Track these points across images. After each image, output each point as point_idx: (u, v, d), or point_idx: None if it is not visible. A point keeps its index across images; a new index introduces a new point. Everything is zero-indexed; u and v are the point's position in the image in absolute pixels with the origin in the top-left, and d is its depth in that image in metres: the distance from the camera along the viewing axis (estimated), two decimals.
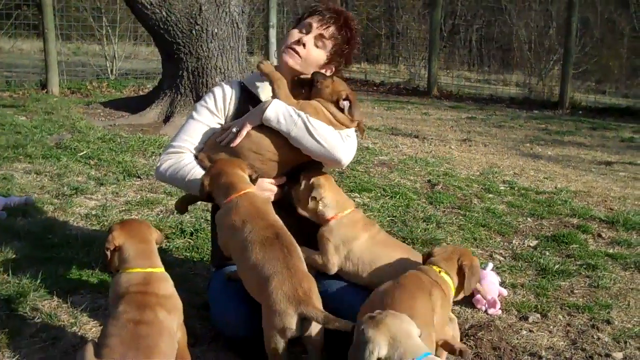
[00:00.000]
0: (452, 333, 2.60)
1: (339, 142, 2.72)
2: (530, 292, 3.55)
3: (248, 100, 2.94)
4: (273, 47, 11.89)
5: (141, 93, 9.58)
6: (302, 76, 2.90)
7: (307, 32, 2.88)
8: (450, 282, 2.55)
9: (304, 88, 2.88)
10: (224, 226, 2.60)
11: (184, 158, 2.86)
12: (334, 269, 2.77)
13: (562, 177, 6.32)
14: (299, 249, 2.52)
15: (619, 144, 8.48)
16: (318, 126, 2.70)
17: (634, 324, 3.23)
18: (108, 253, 2.45)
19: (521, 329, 3.12)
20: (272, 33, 11.99)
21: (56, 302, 3.04)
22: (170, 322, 2.32)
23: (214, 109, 2.93)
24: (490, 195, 5.37)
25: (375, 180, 5.54)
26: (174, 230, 4.07)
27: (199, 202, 3.78)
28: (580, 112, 11.13)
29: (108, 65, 11.52)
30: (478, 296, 3.25)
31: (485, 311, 3.28)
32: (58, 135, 6.37)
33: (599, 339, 3.06)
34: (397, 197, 5.07)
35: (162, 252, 3.41)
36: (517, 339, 3.02)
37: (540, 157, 7.27)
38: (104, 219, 4.21)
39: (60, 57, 10.28)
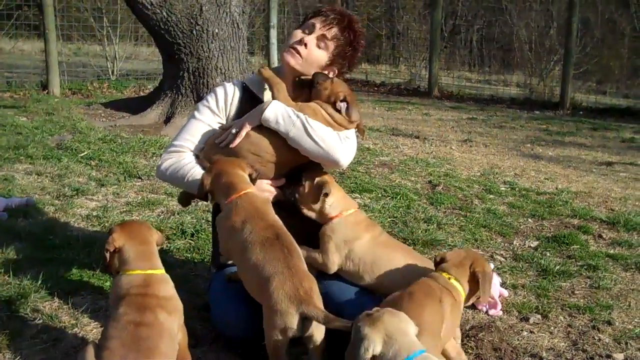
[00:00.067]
0: (458, 349, 2.61)
1: (338, 144, 2.72)
2: (531, 293, 3.55)
3: (249, 100, 2.94)
4: (274, 48, 11.91)
5: (142, 94, 9.59)
6: (303, 77, 2.90)
7: (310, 33, 2.88)
8: (461, 289, 2.54)
9: (304, 89, 2.88)
10: (224, 228, 2.60)
11: (185, 157, 2.86)
12: (333, 268, 2.77)
13: (562, 177, 6.32)
14: (299, 249, 2.53)
15: (619, 145, 8.47)
16: (316, 127, 2.70)
17: (634, 325, 3.22)
18: (108, 255, 2.45)
19: (522, 330, 3.12)
20: (273, 33, 12.00)
21: (57, 303, 3.05)
22: (171, 324, 2.32)
23: (216, 109, 2.93)
24: (491, 196, 5.37)
25: (376, 181, 5.54)
26: (174, 231, 4.07)
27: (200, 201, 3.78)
28: (581, 112, 11.12)
29: (109, 65, 11.53)
30: None
31: (486, 312, 3.28)
32: (59, 136, 6.38)
33: (599, 339, 3.06)
34: (398, 197, 5.07)
35: (163, 253, 3.42)
36: (518, 339, 3.02)
37: (541, 158, 7.27)
38: (105, 219, 4.21)
39: (61, 58, 10.30)
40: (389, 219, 4.60)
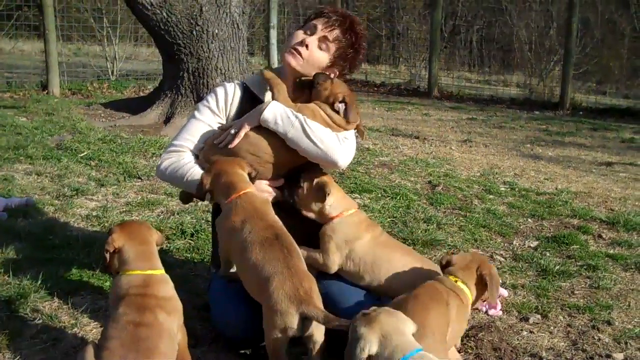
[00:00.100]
0: (457, 357, 2.61)
1: (336, 144, 2.72)
2: (531, 292, 3.55)
3: (250, 101, 2.94)
4: (274, 48, 11.92)
5: (142, 94, 9.59)
6: (303, 78, 2.90)
7: (312, 34, 2.87)
8: (468, 291, 2.55)
9: (305, 90, 2.89)
10: (223, 229, 2.60)
11: (184, 157, 2.86)
12: (334, 267, 2.77)
13: (562, 177, 6.32)
14: (298, 249, 2.53)
15: (619, 145, 8.48)
16: (315, 128, 2.70)
17: (634, 325, 3.22)
18: (107, 255, 2.45)
19: (522, 330, 3.12)
20: (273, 34, 12.02)
21: (57, 303, 3.05)
22: (170, 324, 2.32)
23: (216, 109, 2.93)
24: (491, 196, 5.37)
25: (376, 181, 5.54)
26: (174, 232, 4.07)
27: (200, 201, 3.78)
28: (581, 112, 11.12)
29: (109, 66, 11.53)
30: None
31: (486, 312, 3.28)
32: (59, 136, 6.38)
33: (599, 339, 3.06)
34: (398, 198, 5.07)
35: (163, 253, 3.42)
36: (518, 339, 3.02)
37: (541, 158, 7.27)
38: (105, 220, 4.21)
39: (61, 58, 10.30)
40: (388, 219, 4.60)
